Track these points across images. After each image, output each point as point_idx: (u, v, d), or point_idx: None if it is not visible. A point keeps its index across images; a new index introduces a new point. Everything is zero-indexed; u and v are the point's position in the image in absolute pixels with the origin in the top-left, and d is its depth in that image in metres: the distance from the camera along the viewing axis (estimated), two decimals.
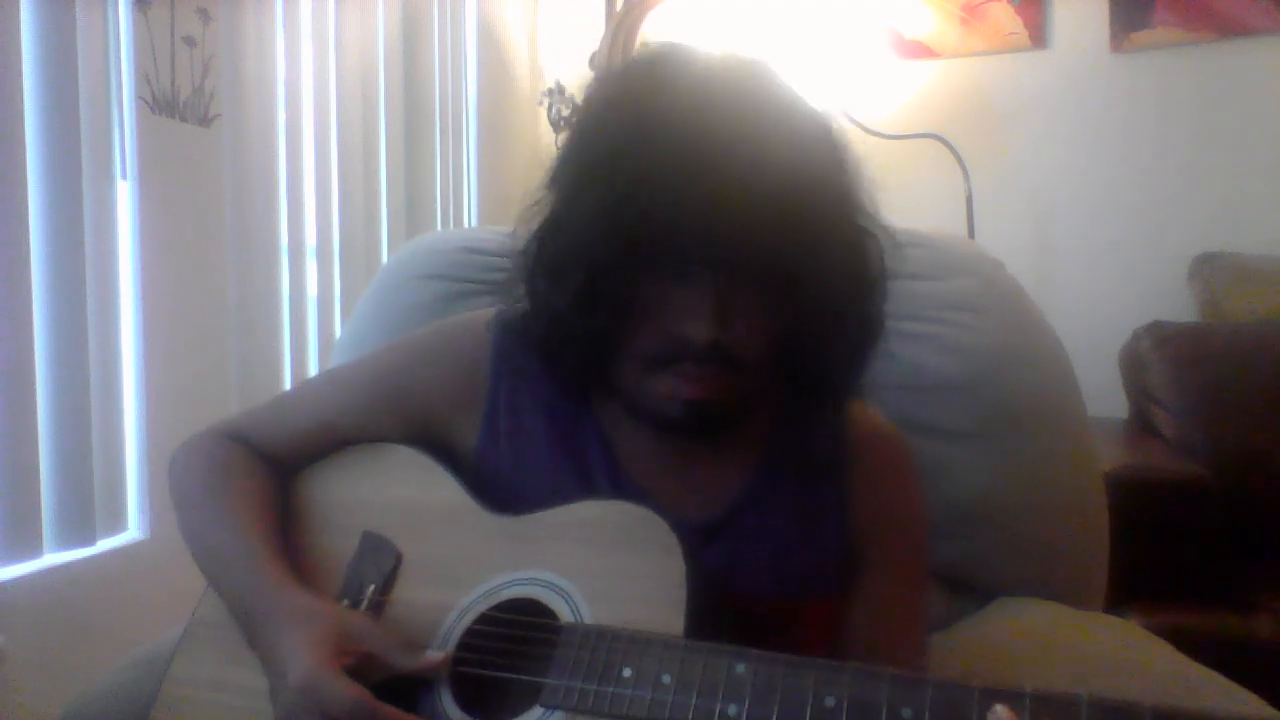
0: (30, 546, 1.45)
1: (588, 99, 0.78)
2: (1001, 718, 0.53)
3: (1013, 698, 0.55)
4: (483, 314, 0.89)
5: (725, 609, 0.72)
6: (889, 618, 0.82)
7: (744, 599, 0.76)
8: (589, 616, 0.70)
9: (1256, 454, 1.81)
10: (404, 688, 0.70)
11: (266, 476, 0.88)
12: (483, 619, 0.74)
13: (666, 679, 0.63)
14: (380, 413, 0.88)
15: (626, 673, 0.64)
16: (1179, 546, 1.67)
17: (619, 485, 0.80)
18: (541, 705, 0.67)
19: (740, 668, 0.62)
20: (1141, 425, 2.06)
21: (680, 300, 0.70)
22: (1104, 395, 2.05)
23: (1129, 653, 1.02)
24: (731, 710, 0.61)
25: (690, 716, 0.62)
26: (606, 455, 0.82)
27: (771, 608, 0.78)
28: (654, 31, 2.52)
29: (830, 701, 0.59)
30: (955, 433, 1.14)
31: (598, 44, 2.56)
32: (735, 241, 0.67)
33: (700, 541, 0.73)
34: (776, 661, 0.62)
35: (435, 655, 0.71)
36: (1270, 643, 1.57)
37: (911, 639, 0.83)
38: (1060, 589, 1.13)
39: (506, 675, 0.70)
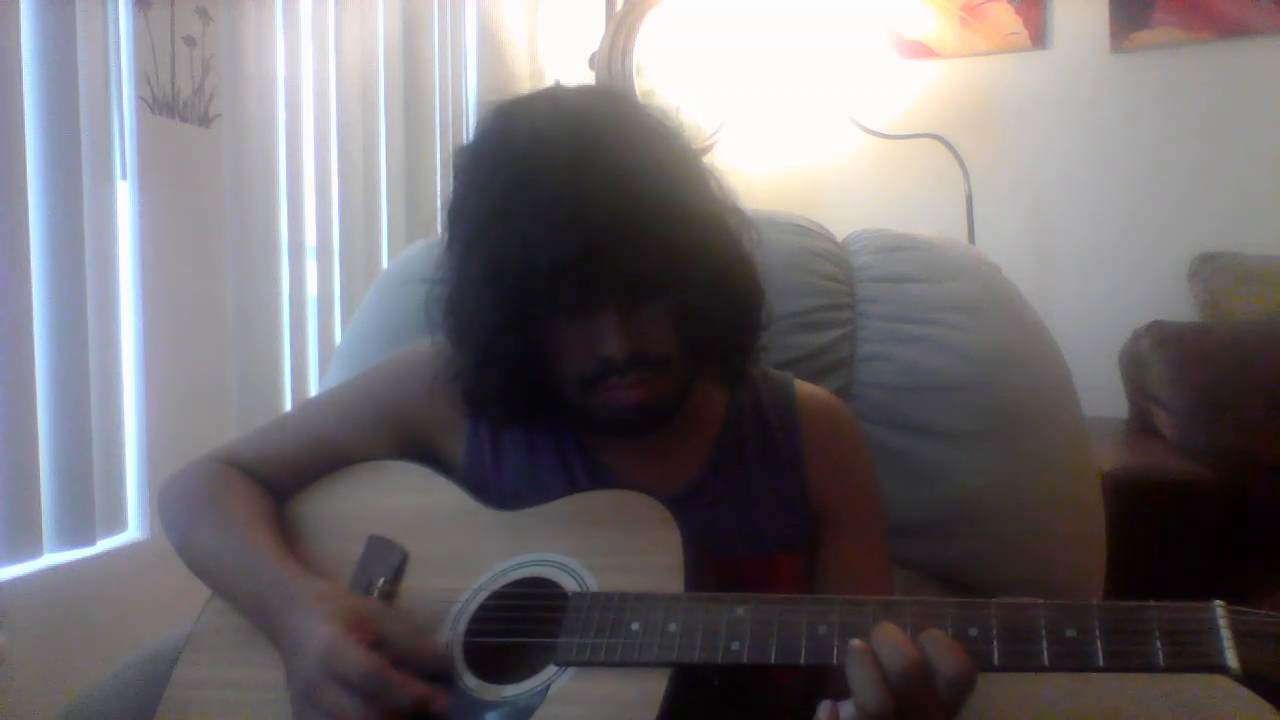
0: (30, 546, 1.45)
1: (455, 166, 0.81)
2: None
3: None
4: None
5: (710, 573, 0.76)
6: (857, 567, 0.87)
7: (720, 559, 0.80)
8: (595, 587, 0.73)
9: (1256, 454, 1.81)
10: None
11: (263, 491, 0.90)
12: (493, 595, 0.77)
13: (673, 627, 0.67)
14: (372, 430, 0.91)
15: (635, 626, 0.68)
16: (1179, 546, 1.67)
17: (598, 475, 0.86)
18: (555, 664, 0.70)
19: (740, 610, 0.67)
20: (1141, 425, 2.06)
21: (586, 329, 0.75)
22: (1104, 395, 2.06)
23: None
24: (734, 645, 0.65)
25: (697, 655, 0.66)
26: (582, 450, 0.88)
27: (747, 566, 0.83)
28: (654, 31, 2.52)
29: (822, 629, 0.64)
30: (952, 433, 1.15)
31: (598, 44, 2.56)
32: (619, 271, 0.72)
33: (675, 511, 0.77)
34: (773, 602, 0.67)
35: (446, 640, 0.74)
36: None
37: (879, 586, 0.89)
38: (1058, 589, 1.13)
39: (519, 640, 0.72)
